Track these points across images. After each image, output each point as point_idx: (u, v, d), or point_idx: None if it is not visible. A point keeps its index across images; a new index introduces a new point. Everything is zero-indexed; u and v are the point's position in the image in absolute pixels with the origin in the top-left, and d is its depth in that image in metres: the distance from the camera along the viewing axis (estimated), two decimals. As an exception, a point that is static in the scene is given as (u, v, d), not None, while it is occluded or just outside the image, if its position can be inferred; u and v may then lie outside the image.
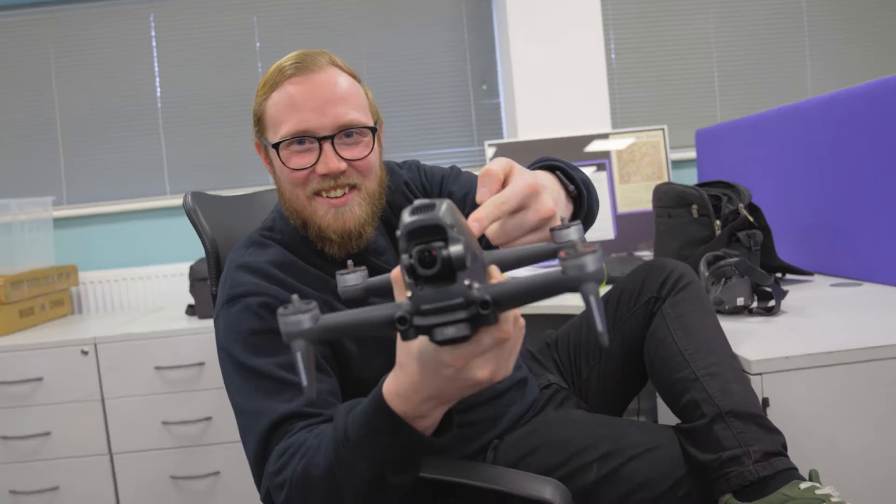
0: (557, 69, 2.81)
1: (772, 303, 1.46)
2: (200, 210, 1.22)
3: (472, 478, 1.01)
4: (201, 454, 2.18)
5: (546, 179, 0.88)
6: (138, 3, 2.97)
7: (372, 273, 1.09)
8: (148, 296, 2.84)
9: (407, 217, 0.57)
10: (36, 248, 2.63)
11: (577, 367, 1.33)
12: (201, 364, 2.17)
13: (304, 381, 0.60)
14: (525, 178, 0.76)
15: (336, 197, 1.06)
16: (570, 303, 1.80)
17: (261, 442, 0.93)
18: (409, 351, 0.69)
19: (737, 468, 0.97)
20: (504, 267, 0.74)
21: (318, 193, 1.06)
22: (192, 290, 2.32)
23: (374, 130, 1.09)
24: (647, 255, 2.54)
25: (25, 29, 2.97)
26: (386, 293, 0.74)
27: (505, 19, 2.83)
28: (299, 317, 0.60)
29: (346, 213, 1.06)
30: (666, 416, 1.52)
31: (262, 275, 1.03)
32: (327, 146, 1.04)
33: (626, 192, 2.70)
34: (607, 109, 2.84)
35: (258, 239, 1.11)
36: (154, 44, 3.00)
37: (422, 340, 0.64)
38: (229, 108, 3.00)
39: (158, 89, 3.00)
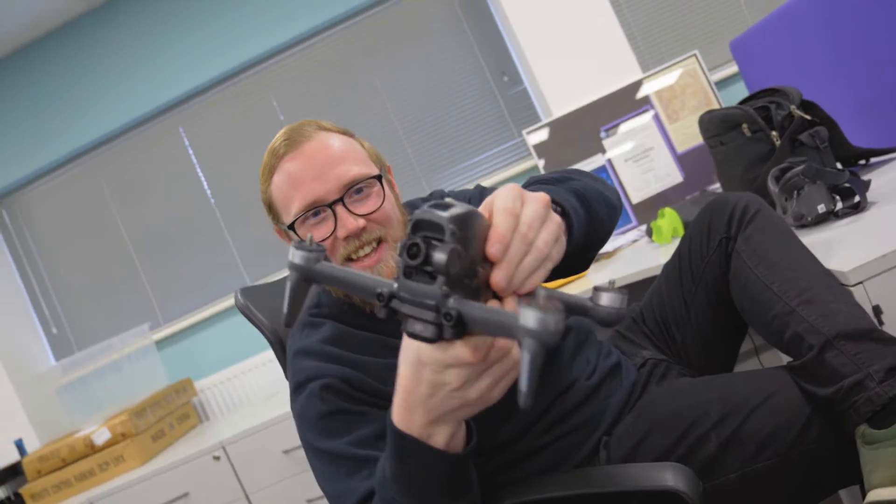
0: (568, 34, 2.73)
1: (856, 198, 1.34)
2: (252, 304, 1.23)
3: (587, 486, 0.96)
4: (351, 520, 2.21)
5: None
6: (166, 119, 3.11)
7: None
8: (262, 383, 2.94)
9: (421, 208, 0.62)
10: (148, 373, 2.77)
11: (670, 334, 1.25)
12: (323, 435, 2.21)
13: (285, 308, 0.68)
14: (537, 198, 0.72)
15: (366, 256, 1.04)
16: (649, 265, 1.73)
17: None
18: (403, 351, 0.71)
19: (862, 394, 0.88)
20: None
21: (349, 259, 1.04)
22: (294, 368, 2.37)
23: (379, 178, 1.07)
24: (717, 186, 2.41)
25: (79, 179, 3.17)
26: None
27: (501, 6, 2.78)
28: (302, 253, 0.68)
29: (382, 269, 1.03)
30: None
31: (317, 356, 1.03)
32: (340, 209, 1.03)
33: (680, 130, 2.57)
34: (632, 55, 2.72)
35: (308, 320, 1.11)
36: (191, 151, 3.12)
37: (412, 341, 0.68)
38: (276, 185, 3.08)
39: (209, 191, 3.12)
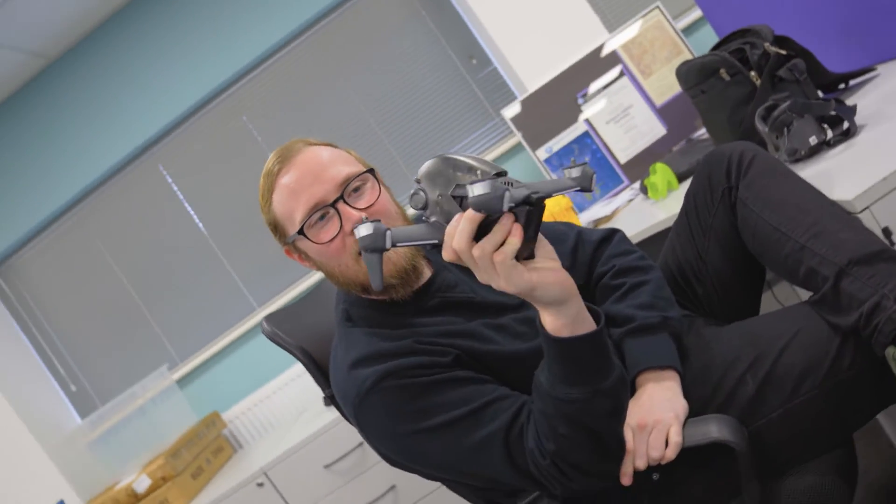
0: (530, 7, 2.73)
1: (846, 125, 1.36)
2: (279, 329, 1.25)
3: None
4: (401, 523, 2.25)
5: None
6: (144, 160, 3.10)
7: (451, 307, 1.10)
8: (288, 403, 2.96)
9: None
10: (174, 414, 2.79)
11: (691, 288, 1.27)
12: (360, 444, 2.23)
13: (376, 280, 0.85)
14: None
15: None
16: (651, 223, 1.74)
17: (507, 454, 0.96)
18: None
19: (882, 315, 0.90)
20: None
21: (360, 253, 1.07)
22: (319, 383, 2.38)
23: (372, 171, 1.12)
24: (701, 133, 2.43)
25: (69, 234, 3.16)
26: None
27: (457, -9, 2.77)
28: (368, 232, 0.81)
29: (391, 254, 1.07)
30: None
31: (374, 359, 1.03)
32: (342, 206, 1.07)
33: (655, 84, 2.58)
34: (595, 17, 2.73)
35: (347, 332, 1.12)
36: (175, 187, 3.11)
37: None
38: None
39: (200, 224, 3.12)
